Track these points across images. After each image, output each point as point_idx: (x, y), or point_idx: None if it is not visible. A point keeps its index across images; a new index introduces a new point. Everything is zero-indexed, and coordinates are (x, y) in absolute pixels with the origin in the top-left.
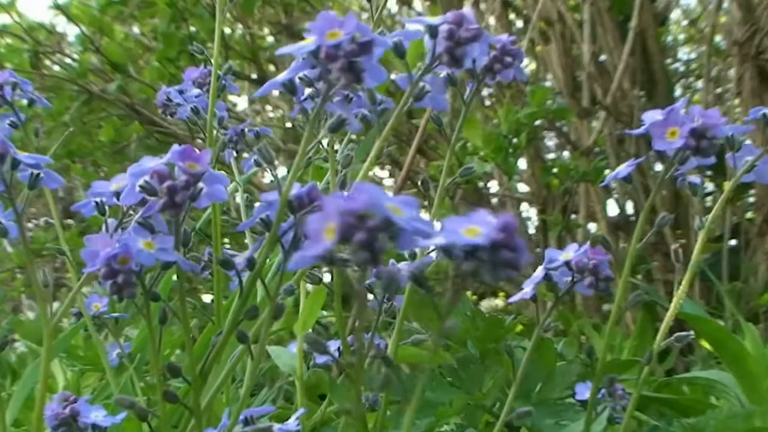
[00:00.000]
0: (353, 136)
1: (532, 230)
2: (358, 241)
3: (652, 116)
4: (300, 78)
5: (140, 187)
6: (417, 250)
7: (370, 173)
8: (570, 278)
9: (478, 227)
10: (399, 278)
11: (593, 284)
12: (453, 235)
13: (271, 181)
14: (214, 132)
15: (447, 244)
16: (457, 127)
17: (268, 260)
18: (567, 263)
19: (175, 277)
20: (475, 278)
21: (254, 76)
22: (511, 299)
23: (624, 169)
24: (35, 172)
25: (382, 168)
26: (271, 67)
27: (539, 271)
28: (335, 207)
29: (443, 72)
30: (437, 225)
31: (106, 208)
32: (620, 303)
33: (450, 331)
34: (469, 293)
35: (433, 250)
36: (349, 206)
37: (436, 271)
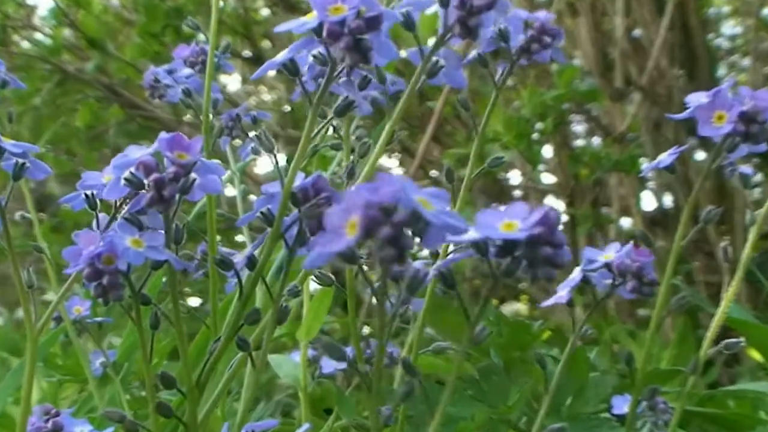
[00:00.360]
0: (360, 122)
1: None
2: (383, 236)
3: (697, 99)
4: (315, 56)
5: (125, 180)
6: (440, 247)
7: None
8: (611, 281)
9: (515, 221)
10: (424, 278)
11: (636, 288)
12: (488, 229)
13: (271, 171)
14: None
15: (481, 239)
16: (486, 112)
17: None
18: (607, 265)
19: (164, 278)
20: (510, 278)
21: (248, 53)
22: (544, 303)
23: (667, 157)
24: (20, 161)
25: (390, 156)
26: (267, 44)
27: (576, 273)
28: (359, 199)
29: (474, 52)
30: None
31: (98, 201)
32: (662, 308)
33: (480, 338)
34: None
35: (458, 248)
36: (374, 198)
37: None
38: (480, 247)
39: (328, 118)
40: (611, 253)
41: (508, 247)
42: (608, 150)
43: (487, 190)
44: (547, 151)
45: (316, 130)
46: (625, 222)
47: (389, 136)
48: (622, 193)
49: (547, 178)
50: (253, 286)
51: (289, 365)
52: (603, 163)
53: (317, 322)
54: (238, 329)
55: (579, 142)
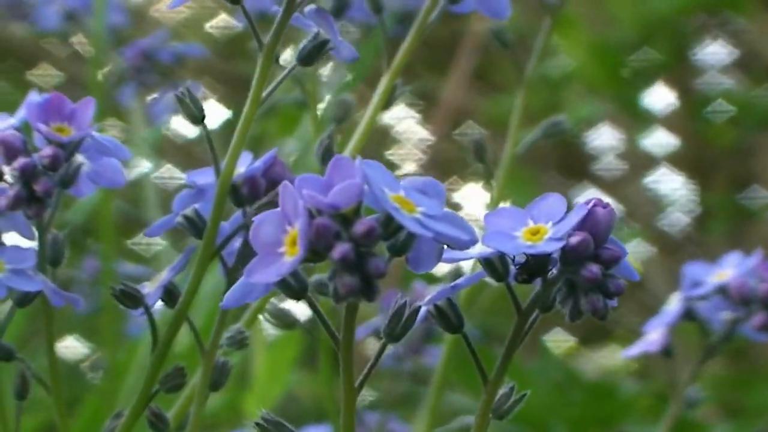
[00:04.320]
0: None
1: (684, 219)
2: (339, 257)
3: None
4: None
5: None
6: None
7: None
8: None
9: (544, 225)
10: (414, 317)
11: (767, 324)
12: (502, 239)
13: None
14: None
15: (492, 255)
16: (541, 35)
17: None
18: (722, 288)
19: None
20: (545, 311)
21: None
22: (627, 352)
23: None
24: None
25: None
26: None
27: (674, 302)
28: (299, 199)
29: None
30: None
31: None
32: None
33: (504, 409)
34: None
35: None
36: (322, 198)
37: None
38: (493, 266)
39: (289, 67)
40: (729, 269)
41: (533, 265)
42: (759, 93)
43: (564, 164)
44: (660, 97)
45: (270, 87)
46: None
47: (387, 95)
48: None
49: (659, 143)
50: (173, 332)
51: None
52: (753, 115)
53: (275, 385)
54: (151, 398)
55: (713, 82)
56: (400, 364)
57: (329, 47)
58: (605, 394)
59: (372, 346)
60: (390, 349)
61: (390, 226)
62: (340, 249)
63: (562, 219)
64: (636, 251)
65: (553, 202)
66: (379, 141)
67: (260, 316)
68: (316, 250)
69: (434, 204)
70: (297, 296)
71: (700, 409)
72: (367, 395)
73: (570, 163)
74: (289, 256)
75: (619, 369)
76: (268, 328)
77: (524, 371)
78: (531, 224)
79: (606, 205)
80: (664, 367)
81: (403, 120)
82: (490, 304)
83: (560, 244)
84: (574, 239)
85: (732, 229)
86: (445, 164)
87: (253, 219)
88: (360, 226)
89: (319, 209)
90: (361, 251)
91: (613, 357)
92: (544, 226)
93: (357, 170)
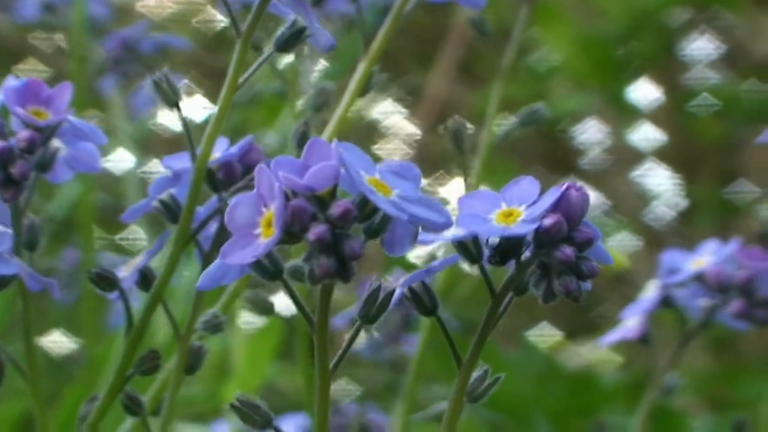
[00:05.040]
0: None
1: (670, 213)
2: (314, 238)
3: None
4: None
5: None
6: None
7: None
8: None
9: (518, 207)
10: (389, 299)
11: (745, 311)
12: (476, 221)
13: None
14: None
15: (466, 237)
16: (519, 24)
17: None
18: (700, 276)
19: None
20: (518, 294)
21: None
22: (606, 340)
23: None
24: None
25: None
26: None
27: (652, 290)
28: (275, 181)
29: None
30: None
31: None
32: None
33: (478, 392)
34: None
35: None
36: (298, 179)
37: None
38: (467, 248)
39: (265, 54)
40: (705, 257)
41: (507, 247)
42: (746, 87)
43: (550, 158)
44: (647, 91)
45: (247, 73)
46: None
47: (364, 81)
48: (763, 158)
49: (645, 137)
50: (148, 315)
51: None
52: (738, 110)
53: (255, 374)
54: (125, 381)
55: (699, 76)
56: (378, 353)
57: (307, 34)
58: (586, 384)
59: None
60: (369, 338)
61: (365, 208)
62: (316, 230)
63: (535, 202)
64: (622, 245)
65: (527, 185)
66: (367, 136)
67: (239, 306)
68: (291, 232)
69: (409, 187)
70: (272, 278)
71: (685, 401)
72: (350, 389)
73: (556, 157)
74: (265, 237)
75: (606, 362)
76: (248, 319)
77: (506, 362)
78: (504, 207)
79: (579, 188)
80: (649, 360)
81: (391, 115)
82: (469, 294)
83: (533, 227)
84: (548, 221)
85: (718, 223)
86: (432, 159)
87: (230, 204)
88: (336, 208)
89: (295, 191)
90: (336, 233)
91: (599, 351)
92: (518, 209)
93: (333, 152)
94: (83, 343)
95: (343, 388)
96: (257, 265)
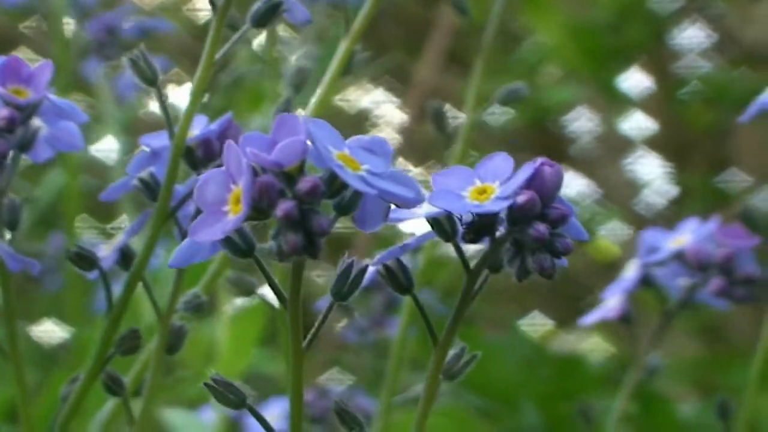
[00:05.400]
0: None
1: (661, 202)
2: (282, 214)
3: None
4: None
5: None
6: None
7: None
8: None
9: (491, 184)
10: (362, 276)
11: (723, 290)
12: (449, 198)
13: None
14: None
15: (439, 214)
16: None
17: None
18: (680, 254)
19: None
20: (494, 272)
21: None
22: (585, 319)
23: None
24: None
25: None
26: None
27: (632, 269)
28: (242, 157)
29: None
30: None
31: None
32: None
33: (454, 371)
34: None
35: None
36: (266, 155)
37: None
38: (441, 225)
39: (241, 29)
40: (685, 235)
41: (481, 225)
42: (736, 75)
43: (541, 147)
44: (637, 79)
45: (223, 49)
46: None
47: (346, 60)
48: (754, 147)
49: (636, 125)
50: (129, 294)
51: (196, 428)
52: (729, 97)
53: (240, 358)
54: (106, 362)
55: (690, 64)
56: (363, 337)
57: (282, 9)
58: (573, 369)
59: (339, 322)
60: (352, 321)
61: (334, 184)
62: (284, 206)
63: (509, 178)
64: (613, 233)
65: (500, 161)
66: (357, 125)
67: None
68: (259, 208)
69: (379, 162)
70: (243, 255)
71: (676, 389)
72: (342, 378)
73: (547, 146)
74: (233, 214)
75: (597, 350)
76: (233, 303)
77: (493, 347)
78: (478, 183)
79: (553, 165)
80: (632, 342)
81: (381, 104)
82: (455, 281)
83: (507, 203)
84: (521, 198)
85: (709, 212)
86: (423, 148)
87: (199, 180)
88: (304, 184)
89: (264, 167)
90: (304, 209)
91: (589, 340)
92: (491, 186)
93: (301, 128)
94: (70, 329)
95: (335, 377)
96: (228, 241)
